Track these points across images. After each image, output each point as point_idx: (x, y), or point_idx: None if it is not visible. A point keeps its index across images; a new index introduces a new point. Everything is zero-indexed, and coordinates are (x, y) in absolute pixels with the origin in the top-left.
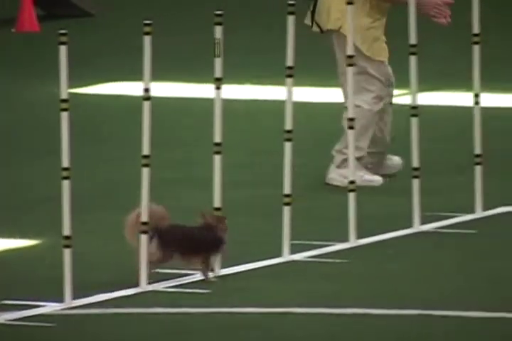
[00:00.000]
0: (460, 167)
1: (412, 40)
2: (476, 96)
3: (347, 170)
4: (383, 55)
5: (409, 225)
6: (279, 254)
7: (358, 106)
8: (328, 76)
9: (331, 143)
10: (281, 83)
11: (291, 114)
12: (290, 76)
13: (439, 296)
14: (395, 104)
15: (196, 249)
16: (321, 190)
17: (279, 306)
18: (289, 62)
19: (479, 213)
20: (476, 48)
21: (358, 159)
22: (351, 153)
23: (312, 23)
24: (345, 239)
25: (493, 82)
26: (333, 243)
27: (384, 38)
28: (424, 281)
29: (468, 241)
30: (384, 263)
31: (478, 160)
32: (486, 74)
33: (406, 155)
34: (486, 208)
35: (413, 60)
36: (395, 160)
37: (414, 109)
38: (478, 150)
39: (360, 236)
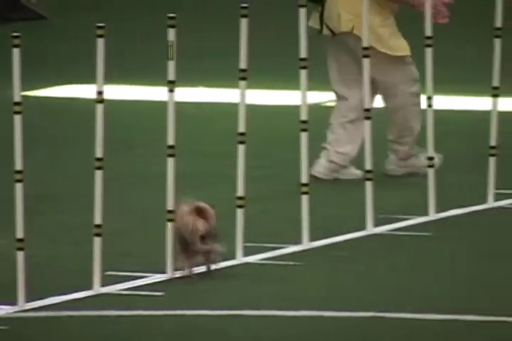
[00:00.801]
0: None
1: (365, 42)
2: (429, 98)
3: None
4: (401, 49)
5: (363, 227)
6: (232, 257)
7: (404, 94)
8: (281, 78)
9: (284, 145)
10: (235, 86)
11: (244, 116)
12: (243, 78)
13: (393, 299)
14: None
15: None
16: (273, 192)
17: (232, 309)
18: (243, 65)
19: (433, 215)
20: (429, 51)
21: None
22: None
23: (321, 27)
24: (299, 242)
25: (446, 84)
26: (286, 245)
27: (399, 34)
28: (378, 284)
29: (421, 244)
30: (337, 266)
31: (431, 162)
32: (438, 77)
33: (358, 158)
34: (439, 210)
35: (366, 62)
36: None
37: (367, 112)
38: (431, 153)
39: (313, 239)
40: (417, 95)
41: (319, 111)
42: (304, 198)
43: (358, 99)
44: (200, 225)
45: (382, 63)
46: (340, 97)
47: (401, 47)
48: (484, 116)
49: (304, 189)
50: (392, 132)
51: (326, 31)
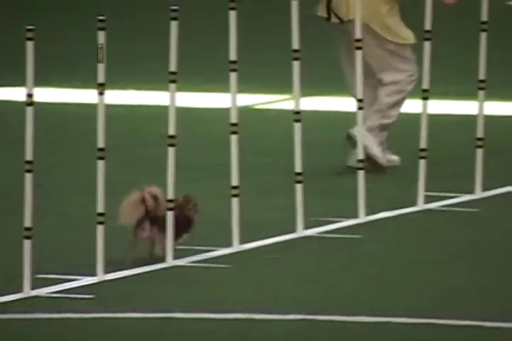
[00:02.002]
0: (343, 172)
1: (295, 45)
2: (360, 101)
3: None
4: (408, 38)
5: (293, 230)
6: (162, 259)
7: (395, 83)
8: (211, 81)
9: (215, 147)
10: (165, 88)
11: (174, 119)
12: (173, 81)
13: (323, 301)
14: (278, 110)
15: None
16: (204, 195)
17: (163, 311)
18: (172, 68)
19: (363, 218)
20: (359, 53)
21: (387, 125)
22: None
23: (329, 15)
24: (229, 244)
25: None
26: (216, 248)
27: (403, 23)
28: (308, 286)
29: (352, 246)
30: (267, 268)
31: (361, 165)
32: None
33: (289, 160)
34: (369, 213)
35: (296, 65)
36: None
37: (297, 114)
38: (361, 156)
39: (243, 241)
40: (413, 85)
41: (249, 114)
42: (234, 201)
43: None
44: (135, 212)
45: (390, 52)
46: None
47: (408, 35)
48: (414, 118)
49: (235, 191)
50: (372, 118)
51: (334, 19)
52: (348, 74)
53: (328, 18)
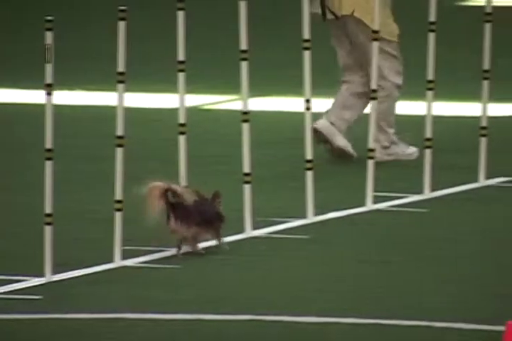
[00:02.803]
0: (291, 172)
1: (243, 45)
2: (307, 101)
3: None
4: (395, 34)
5: (241, 230)
6: (110, 260)
7: (381, 88)
8: (158, 82)
9: (162, 149)
10: (113, 89)
11: (122, 119)
12: (121, 82)
13: (271, 301)
14: (226, 110)
15: (209, 222)
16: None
17: (111, 312)
18: (120, 68)
19: (311, 218)
20: (307, 54)
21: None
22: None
23: (324, 12)
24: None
25: (323, 88)
26: (164, 249)
27: (392, 18)
28: (256, 286)
29: (300, 247)
30: (215, 269)
31: (309, 165)
32: (316, 80)
33: (237, 161)
34: (318, 213)
35: (244, 65)
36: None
37: (246, 115)
38: (309, 156)
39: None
40: (400, 87)
41: (197, 114)
42: None
43: (361, 82)
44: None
45: (382, 49)
46: (345, 81)
47: (395, 31)
48: (365, 119)
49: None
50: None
51: (329, 15)
52: (347, 71)
53: (324, 15)
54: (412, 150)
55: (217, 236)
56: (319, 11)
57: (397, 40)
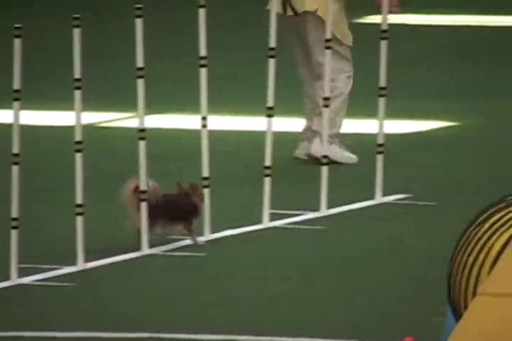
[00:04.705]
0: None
1: (140, 63)
2: (204, 119)
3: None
4: (350, 39)
5: (138, 249)
6: (7, 278)
7: (335, 87)
8: (56, 99)
9: (58, 165)
10: (9, 106)
11: (18, 137)
12: (17, 99)
13: (170, 319)
14: (123, 128)
15: (177, 215)
16: (48, 211)
17: (11, 330)
18: (16, 86)
19: (207, 235)
20: (203, 71)
21: (335, 135)
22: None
23: (285, 8)
24: (74, 263)
25: (220, 105)
26: (60, 266)
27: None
28: (150, 306)
29: (196, 264)
30: (111, 286)
31: (206, 183)
32: (212, 97)
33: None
34: (214, 230)
35: (140, 83)
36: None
37: (142, 132)
38: (206, 173)
39: (89, 260)
40: (350, 86)
41: (94, 132)
42: (79, 219)
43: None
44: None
45: (334, 49)
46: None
47: (350, 36)
48: (259, 136)
49: (79, 210)
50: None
51: (289, 12)
52: (304, 71)
53: (284, 11)
54: (352, 155)
55: (189, 229)
56: (279, 8)
57: (350, 44)
